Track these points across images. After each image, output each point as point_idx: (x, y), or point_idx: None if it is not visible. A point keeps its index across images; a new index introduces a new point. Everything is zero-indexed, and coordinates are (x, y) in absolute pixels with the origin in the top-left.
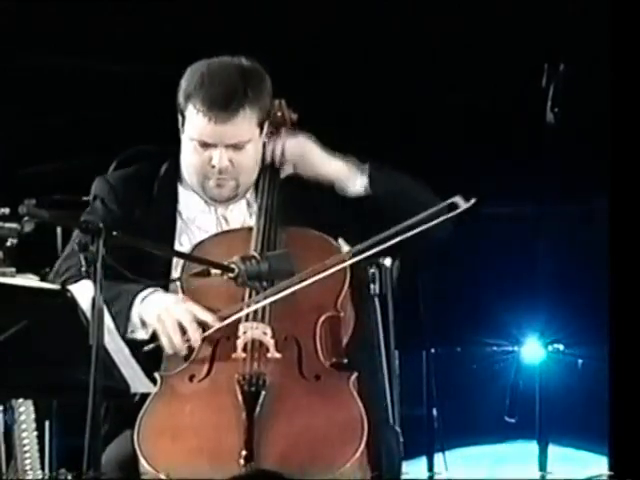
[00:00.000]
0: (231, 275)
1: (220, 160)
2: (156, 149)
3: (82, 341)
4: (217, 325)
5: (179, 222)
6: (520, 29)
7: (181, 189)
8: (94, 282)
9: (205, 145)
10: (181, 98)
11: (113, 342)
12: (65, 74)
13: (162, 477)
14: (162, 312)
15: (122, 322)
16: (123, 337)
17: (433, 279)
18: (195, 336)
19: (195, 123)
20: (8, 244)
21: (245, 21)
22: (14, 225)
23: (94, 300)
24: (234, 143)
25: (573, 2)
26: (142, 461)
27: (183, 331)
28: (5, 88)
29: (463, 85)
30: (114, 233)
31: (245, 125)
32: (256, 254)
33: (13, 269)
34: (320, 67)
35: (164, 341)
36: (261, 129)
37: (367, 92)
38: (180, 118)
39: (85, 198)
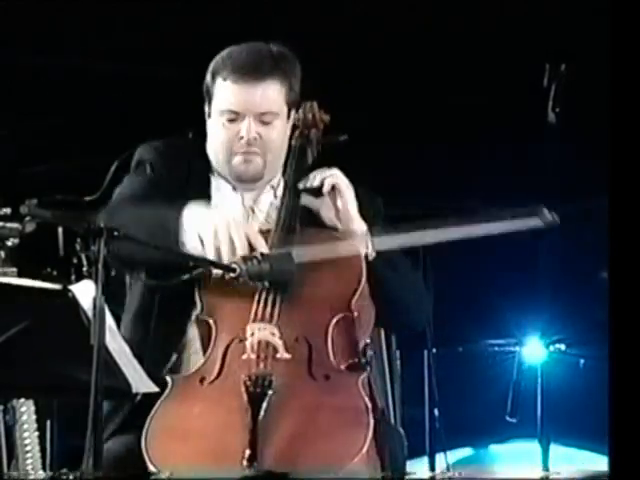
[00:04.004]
0: (232, 275)
1: (248, 130)
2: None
3: (83, 341)
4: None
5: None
6: (521, 29)
7: (212, 178)
8: (95, 282)
9: (234, 118)
10: (208, 79)
11: (114, 342)
12: (65, 74)
13: (163, 477)
14: (220, 225)
15: (169, 233)
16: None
17: (434, 279)
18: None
19: (223, 92)
20: (10, 244)
21: (245, 21)
22: (15, 225)
23: (95, 300)
24: (262, 112)
25: (574, 2)
26: (149, 464)
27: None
28: (5, 88)
29: (464, 85)
30: (115, 233)
31: (275, 94)
32: (257, 254)
33: (14, 269)
34: (319, 68)
35: (210, 251)
36: (289, 110)
37: (368, 93)
38: (207, 106)
39: (87, 198)
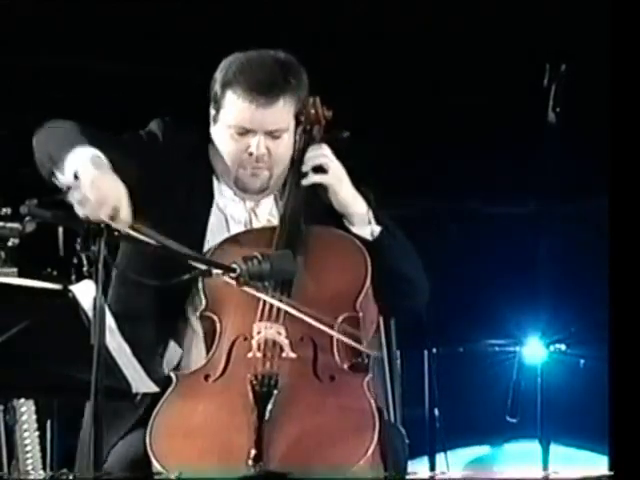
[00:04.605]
0: (233, 275)
1: (258, 147)
2: None
3: (83, 341)
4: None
5: (214, 209)
6: (522, 29)
7: (213, 178)
8: (95, 282)
9: (243, 132)
10: (217, 87)
11: (114, 342)
12: (65, 74)
13: (171, 477)
14: (96, 183)
15: (53, 158)
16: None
17: (434, 279)
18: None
19: (235, 109)
20: (10, 244)
21: (245, 22)
22: (16, 225)
23: (95, 300)
24: (273, 130)
25: (574, 2)
26: (154, 461)
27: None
28: (5, 88)
29: (464, 85)
30: (115, 233)
31: (285, 113)
32: (258, 254)
33: (15, 269)
34: (320, 68)
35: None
36: (296, 121)
37: (368, 92)
38: (213, 111)
39: None
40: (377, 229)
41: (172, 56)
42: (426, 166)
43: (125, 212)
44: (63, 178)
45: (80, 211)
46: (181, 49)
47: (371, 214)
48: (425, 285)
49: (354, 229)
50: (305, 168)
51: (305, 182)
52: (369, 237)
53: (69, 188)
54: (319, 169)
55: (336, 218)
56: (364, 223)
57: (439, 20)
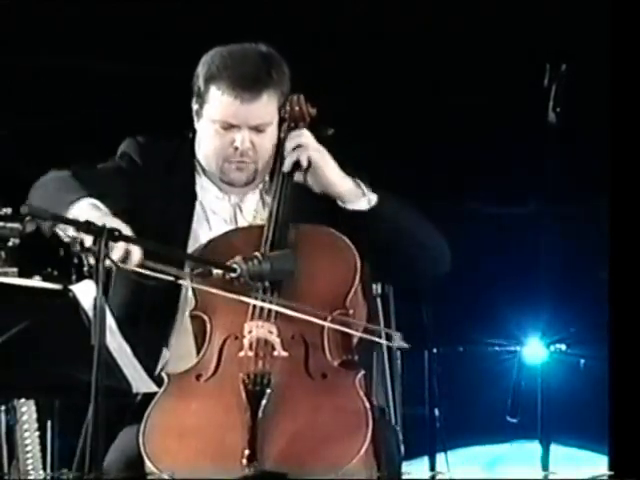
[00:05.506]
0: (233, 275)
1: (243, 142)
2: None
3: (84, 341)
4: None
5: (197, 208)
6: (522, 29)
7: (197, 176)
8: (95, 282)
9: (228, 127)
10: (200, 82)
11: (115, 342)
12: (65, 74)
13: (165, 477)
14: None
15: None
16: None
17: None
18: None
19: (219, 104)
20: (10, 244)
21: (245, 22)
22: (16, 225)
23: (96, 300)
24: (257, 124)
25: (574, 2)
26: (147, 461)
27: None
28: (5, 88)
29: (464, 85)
30: (116, 233)
31: (269, 107)
32: (258, 254)
33: (15, 269)
34: (321, 68)
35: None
36: (279, 115)
37: (368, 93)
38: (196, 105)
39: None
40: (374, 197)
41: (172, 56)
42: (426, 166)
43: (136, 254)
44: (67, 231)
45: (91, 259)
46: (181, 49)
47: (364, 187)
48: (444, 251)
49: (350, 205)
50: (285, 152)
51: (286, 163)
52: (367, 206)
53: (74, 239)
54: (297, 148)
55: (327, 210)
56: (358, 197)
57: (439, 20)
